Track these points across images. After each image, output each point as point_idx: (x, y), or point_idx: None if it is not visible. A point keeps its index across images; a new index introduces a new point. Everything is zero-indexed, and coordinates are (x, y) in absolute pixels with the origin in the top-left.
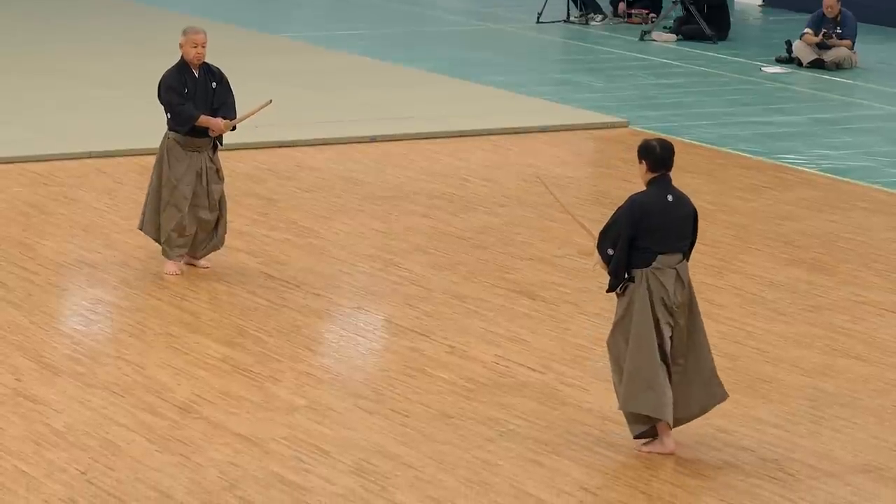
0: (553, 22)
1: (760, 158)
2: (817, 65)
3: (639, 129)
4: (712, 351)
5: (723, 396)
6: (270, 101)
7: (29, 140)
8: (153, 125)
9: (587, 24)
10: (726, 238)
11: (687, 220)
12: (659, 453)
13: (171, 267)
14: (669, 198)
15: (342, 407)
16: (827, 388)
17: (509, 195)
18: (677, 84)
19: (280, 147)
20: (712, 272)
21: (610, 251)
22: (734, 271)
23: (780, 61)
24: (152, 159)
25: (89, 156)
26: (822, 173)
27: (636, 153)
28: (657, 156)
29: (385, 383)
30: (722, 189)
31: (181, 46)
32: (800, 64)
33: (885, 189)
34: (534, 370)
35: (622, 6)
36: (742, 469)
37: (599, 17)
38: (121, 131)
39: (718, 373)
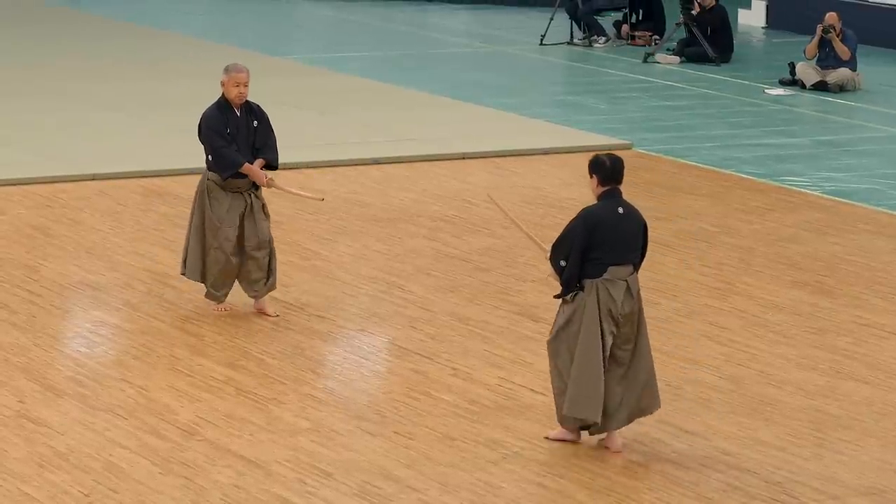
0: (556, 44)
1: (764, 181)
2: (820, 87)
3: (643, 150)
4: (715, 373)
5: (655, 406)
6: (323, 199)
7: (32, 162)
8: (156, 148)
9: (590, 46)
10: (730, 260)
11: (637, 233)
12: (564, 440)
13: (216, 306)
14: (620, 210)
15: (346, 429)
16: (830, 410)
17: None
18: (681, 106)
19: (283, 169)
20: (716, 294)
21: (562, 262)
22: (738, 293)
23: (783, 83)
24: (156, 181)
25: (92, 178)
26: (825, 196)
27: (587, 168)
28: (607, 170)
29: (388, 406)
30: (725, 211)
31: (223, 85)
32: (803, 86)
33: (889, 211)
34: (537, 392)
35: (625, 28)
36: (746, 492)
37: (603, 39)
38: (124, 154)
39: (719, 394)
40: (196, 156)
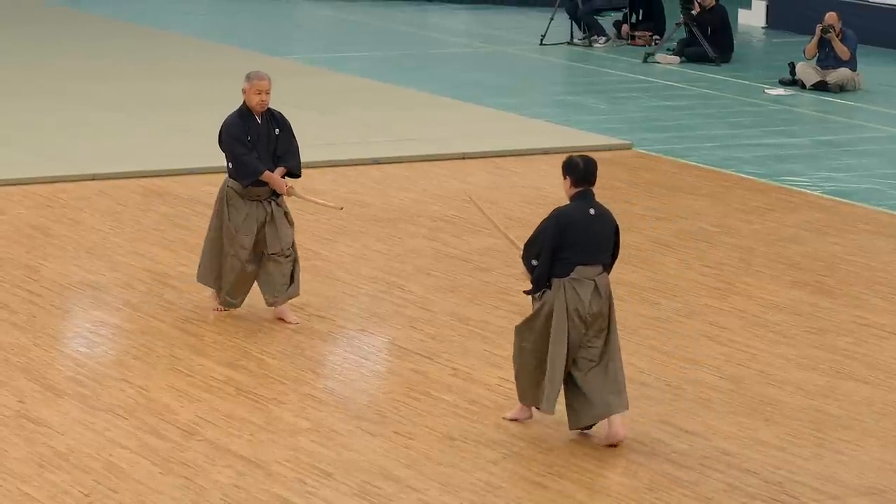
0: (556, 44)
1: (764, 181)
2: (820, 87)
3: (643, 150)
4: (715, 373)
5: (622, 408)
6: (342, 208)
7: (32, 162)
8: (156, 148)
9: (590, 46)
10: (730, 260)
11: (608, 234)
12: (518, 419)
13: (217, 307)
14: (592, 211)
15: (346, 429)
16: (830, 410)
17: (512, 217)
18: (681, 106)
19: None
20: (716, 294)
21: (534, 262)
22: (738, 293)
23: (783, 83)
24: (156, 181)
25: (92, 178)
26: (825, 196)
27: (561, 169)
28: (580, 171)
29: (389, 406)
30: (726, 211)
31: (244, 92)
32: (803, 86)
33: (889, 211)
34: None
35: (625, 28)
36: (745, 492)
37: (603, 39)
38: (124, 154)
39: (719, 394)
40: (196, 156)
